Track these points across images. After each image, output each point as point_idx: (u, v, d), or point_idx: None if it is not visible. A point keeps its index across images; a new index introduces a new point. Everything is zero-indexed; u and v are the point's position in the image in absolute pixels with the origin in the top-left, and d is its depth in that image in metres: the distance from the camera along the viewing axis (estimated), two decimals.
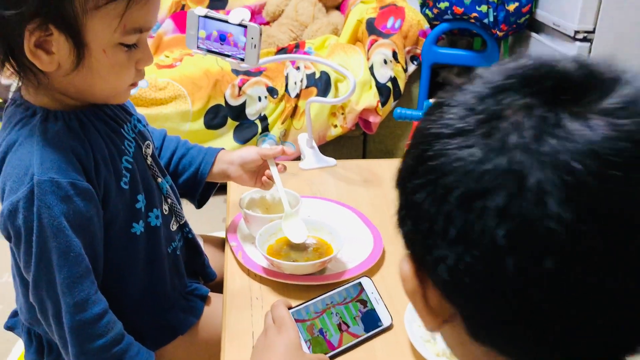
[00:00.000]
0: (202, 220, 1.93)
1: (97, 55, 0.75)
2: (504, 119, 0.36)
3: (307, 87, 2.13)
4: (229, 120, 2.14)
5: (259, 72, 2.17)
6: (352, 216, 1.13)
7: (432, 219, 0.37)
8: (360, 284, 0.88)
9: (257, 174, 1.10)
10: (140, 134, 0.93)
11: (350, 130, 2.19)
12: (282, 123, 2.14)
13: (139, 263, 0.91)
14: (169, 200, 0.97)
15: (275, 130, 2.15)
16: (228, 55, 1.08)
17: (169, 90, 2.08)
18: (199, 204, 1.13)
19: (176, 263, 0.98)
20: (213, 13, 1.07)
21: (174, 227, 0.98)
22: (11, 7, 0.70)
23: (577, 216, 0.32)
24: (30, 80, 0.77)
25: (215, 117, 2.12)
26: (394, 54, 2.13)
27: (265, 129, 2.15)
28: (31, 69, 0.75)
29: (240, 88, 2.12)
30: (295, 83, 2.14)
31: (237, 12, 1.08)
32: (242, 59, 1.07)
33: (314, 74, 2.15)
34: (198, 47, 1.09)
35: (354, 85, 1.22)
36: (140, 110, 2.06)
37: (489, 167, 0.34)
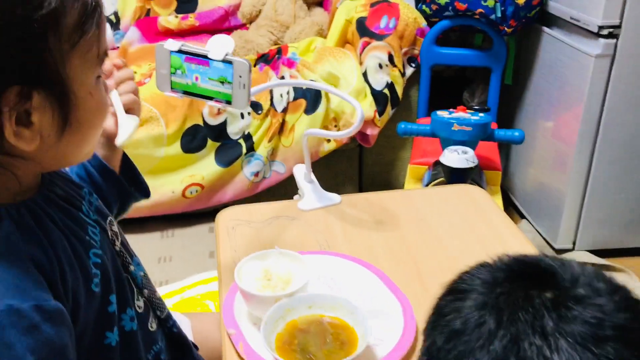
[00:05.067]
0: (186, 258, 1.71)
1: (84, 102, 0.61)
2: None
3: (294, 99, 1.90)
4: (209, 142, 1.90)
5: None
6: (371, 278, 0.93)
7: None
8: None
9: None
10: (99, 211, 0.73)
11: (345, 144, 1.97)
12: (269, 141, 1.91)
13: None
14: (145, 292, 0.76)
15: (262, 150, 1.92)
16: (210, 98, 0.86)
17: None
18: (140, 191, 0.91)
19: None
20: (188, 46, 0.84)
21: (153, 326, 0.77)
22: None
23: None
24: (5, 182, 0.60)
25: (193, 139, 1.89)
26: (390, 57, 1.91)
27: (251, 148, 1.92)
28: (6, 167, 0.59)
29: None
30: (282, 95, 1.91)
31: (219, 43, 0.85)
32: (229, 102, 0.85)
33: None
34: (172, 89, 0.87)
35: (361, 117, 1.01)
36: None
37: None
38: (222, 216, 1.13)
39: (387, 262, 0.97)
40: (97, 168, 0.83)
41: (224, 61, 0.82)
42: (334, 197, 1.19)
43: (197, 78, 0.85)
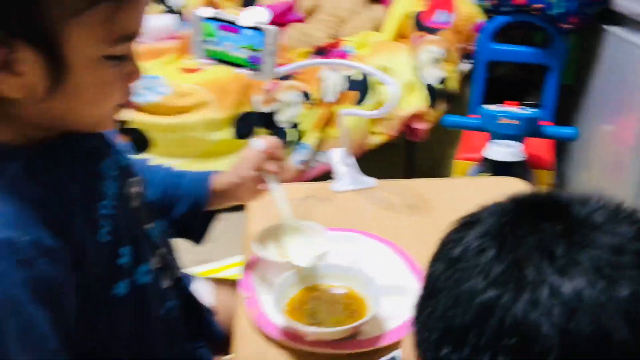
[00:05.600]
0: (228, 240, 1.75)
1: (79, 73, 0.59)
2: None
3: (345, 90, 1.91)
4: (259, 129, 1.94)
5: (291, 75, 1.96)
6: (393, 257, 0.92)
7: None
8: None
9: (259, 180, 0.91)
10: (126, 169, 0.75)
11: (394, 138, 1.96)
12: (318, 131, 1.93)
13: (126, 330, 0.72)
14: (160, 250, 0.78)
15: (310, 139, 1.94)
16: (240, 66, 0.88)
17: (194, 97, 1.90)
18: (198, 239, 0.94)
19: (172, 327, 0.79)
20: (221, 14, 0.87)
21: (166, 283, 0.79)
22: None
23: None
24: None
25: (245, 125, 1.93)
26: (445, 52, 1.89)
27: (299, 137, 1.94)
28: None
29: (271, 93, 1.92)
30: (332, 87, 1.92)
31: (251, 13, 0.87)
32: (257, 70, 0.87)
33: (351, 76, 1.93)
34: (207, 57, 0.90)
35: (397, 93, 1.01)
36: (159, 120, 1.90)
37: None
38: None
39: (414, 245, 0.96)
40: (200, 186, 0.89)
41: (254, 28, 0.84)
42: (370, 180, 1.19)
43: (228, 45, 0.87)
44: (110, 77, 0.63)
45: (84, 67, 0.60)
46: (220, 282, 1.03)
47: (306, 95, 1.92)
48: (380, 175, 1.19)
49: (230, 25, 0.86)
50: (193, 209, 0.89)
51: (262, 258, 0.87)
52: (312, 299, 0.82)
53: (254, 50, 0.86)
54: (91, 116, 0.66)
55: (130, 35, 0.62)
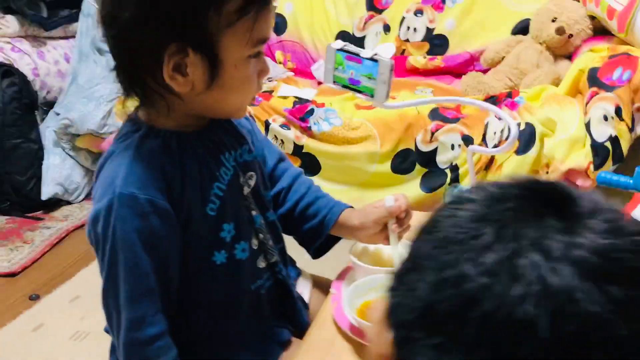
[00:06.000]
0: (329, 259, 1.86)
1: (229, 71, 0.77)
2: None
3: (507, 138, 1.92)
4: (417, 167, 2.03)
5: (456, 119, 2.03)
6: None
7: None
8: None
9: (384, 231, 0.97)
10: (245, 164, 0.91)
11: None
12: (475, 175, 1.96)
13: (216, 295, 0.87)
14: (260, 236, 0.92)
15: (467, 182, 1.98)
16: (360, 91, 1.01)
17: (361, 131, 2.06)
18: (316, 254, 1.05)
19: (258, 302, 0.93)
20: (349, 46, 1.01)
21: (261, 264, 0.93)
22: (149, 33, 0.73)
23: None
24: (157, 106, 0.80)
25: (403, 162, 2.04)
26: (618, 110, 1.81)
27: (456, 179, 1.99)
28: (161, 94, 0.78)
29: (433, 134, 2.01)
30: (495, 133, 1.95)
31: (381, 47, 1.00)
32: (372, 96, 0.99)
33: (517, 125, 1.93)
34: (334, 82, 1.04)
35: (516, 132, 1.06)
36: (329, 148, 2.10)
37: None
38: None
39: None
40: (322, 224, 0.99)
41: (372, 59, 0.97)
42: None
43: (352, 73, 1.01)
44: (250, 73, 0.80)
45: (234, 66, 0.77)
46: (318, 280, 1.14)
47: (467, 139, 1.97)
48: None
49: (355, 56, 0.99)
50: (319, 228, 1.00)
51: (356, 264, 0.97)
52: None
53: (370, 78, 0.98)
54: (234, 105, 0.84)
55: (265, 39, 0.79)
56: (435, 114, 2.05)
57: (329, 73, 1.04)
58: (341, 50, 1.01)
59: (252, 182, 0.92)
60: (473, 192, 0.42)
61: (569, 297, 0.34)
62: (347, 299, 0.87)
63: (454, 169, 2.00)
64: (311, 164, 2.12)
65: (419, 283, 0.39)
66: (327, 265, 1.11)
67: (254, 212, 0.92)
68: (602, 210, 0.39)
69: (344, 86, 1.03)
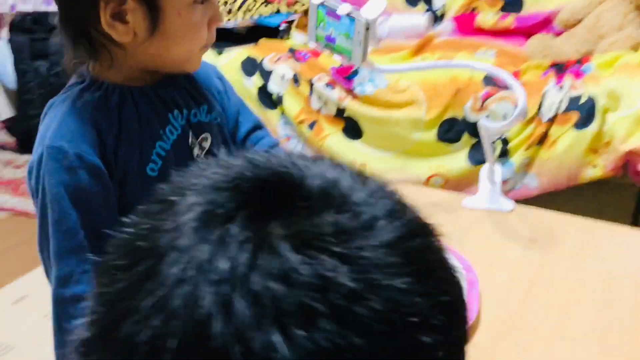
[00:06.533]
0: None
1: (171, 18, 0.75)
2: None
3: (565, 111, 1.73)
4: (465, 137, 1.88)
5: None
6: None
7: None
8: None
9: None
10: (199, 125, 0.86)
11: (614, 175, 1.69)
12: (526, 149, 1.79)
13: None
14: None
15: (516, 157, 1.81)
16: (336, 51, 0.91)
17: (407, 94, 1.93)
18: None
19: None
20: (329, 1, 0.91)
21: None
22: None
23: None
24: (103, 59, 0.78)
25: (449, 130, 1.89)
26: None
27: (505, 153, 1.83)
28: (105, 46, 0.76)
29: (483, 102, 1.84)
30: (552, 104, 1.75)
31: (371, 3, 0.89)
32: (349, 57, 0.89)
33: (578, 97, 1.72)
34: (316, 41, 0.95)
35: (523, 105, 0.94)
36: (371, 112, 1.98)
37: None
38: None
39: (499, 276, 0.87)
40: None
41: (349, 16, 0.87)
42: (506, 203, 1.11)
43: (332, 31, 0.91)
44: (196, 20, 0.76)
45: (176, 13, 0.74)
46: None
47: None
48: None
49: (333, 12, 0.89)
50: None
51: None
52: None
53: (348, 38, 0.88)
54: (180, 55, 0.79)
55: None
56: (489, 80, 1.87)
57: (312, 31, 0.94)
58: (322, 4, 0.91)
59: (205, 145, 0.86)
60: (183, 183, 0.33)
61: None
62: None
63: (504, 141, 1.83)
64: (353, 128, 2.03)
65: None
66: None
67: None
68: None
69: (326, 46, 0.93)
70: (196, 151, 0.85)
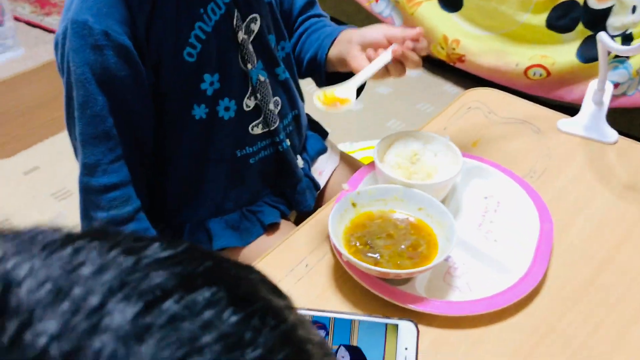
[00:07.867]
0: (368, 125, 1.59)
1: None
2: None
3: None
4: (580, 27, 1.63)
5: None
6: (528, 206, 0.78)
7: None
8: (396, 328, 0.58)
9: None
10: (247, 3, 0.74)
11: None
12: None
13: (192, 155, 0.77)
14: (258, 96, 0.77)
15: (636, 60, 1.56)
16: None
17: None
18: (320, 84, 0.87)
19: (243, 172, 0.81)
20: None
21: (256, 130, 0.79)
22: None
23: None
24: None
25: (563, 16, 1.64)
26: None
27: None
28: None
29: None
30: None
31: None
32: None
33: None
34: None
35: None
36: None
37: None
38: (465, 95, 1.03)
39: (574, 215, 0.76)
40: (316, 58, 0.83)
41: None
42: (611, 134, 0.95)
43: None
44: None
45: None
46: (353, 162, 0.98)
47: None
48: None
49: None
50: (314, 63, 0.84)
51: (376, 165, 0.79)
52: (387, 221, 0.73)
53: None
54: None
55: None
56: None
57: None
58: None
59: (254, 28, 0.75)
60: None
61: None
62: (337, 209, 0.71)
63: (627, 38, 1.57)
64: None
65: None
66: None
67: (249, 66, 0.76)
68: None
69: None
70: (241, 36, 0.74)
